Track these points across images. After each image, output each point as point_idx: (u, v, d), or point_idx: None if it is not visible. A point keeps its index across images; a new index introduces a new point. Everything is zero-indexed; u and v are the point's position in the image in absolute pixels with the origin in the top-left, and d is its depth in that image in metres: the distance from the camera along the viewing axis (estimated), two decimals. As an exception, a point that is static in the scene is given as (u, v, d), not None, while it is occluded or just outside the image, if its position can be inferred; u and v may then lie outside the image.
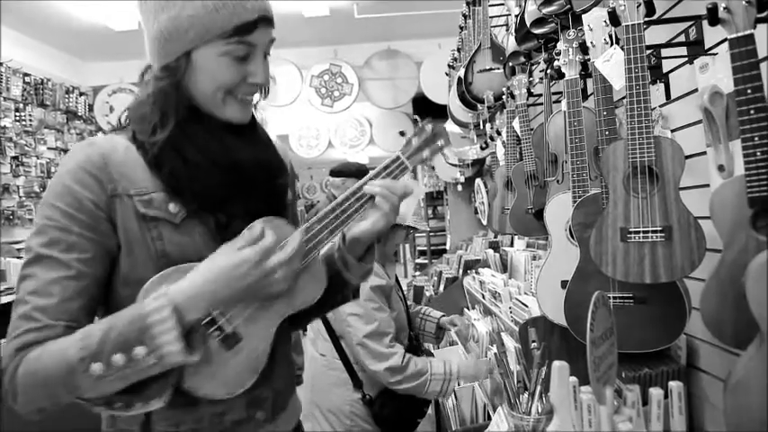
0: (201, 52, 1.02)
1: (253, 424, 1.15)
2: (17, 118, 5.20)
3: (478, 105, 2.91)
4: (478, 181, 4.24)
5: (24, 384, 0.92)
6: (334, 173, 3.80)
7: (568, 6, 1.61)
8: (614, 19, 1.27)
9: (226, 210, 1.07)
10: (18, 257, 4.81)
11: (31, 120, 5.34)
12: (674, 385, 1.27)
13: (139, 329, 0.91)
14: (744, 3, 0.99)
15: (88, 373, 0.89)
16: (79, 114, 6.10)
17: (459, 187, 5.39)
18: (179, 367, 0.98)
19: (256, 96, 1.14)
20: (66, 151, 5.86)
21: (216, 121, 1.08)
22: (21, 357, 0.92)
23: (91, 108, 6.25)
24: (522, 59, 2.28)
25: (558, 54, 1.61)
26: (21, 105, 5.25)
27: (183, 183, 1.04)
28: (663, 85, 1.63)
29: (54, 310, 0.95)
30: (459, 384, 2.22)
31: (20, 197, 5.23)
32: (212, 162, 1.05)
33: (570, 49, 1.58)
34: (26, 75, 5.33)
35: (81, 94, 6.16)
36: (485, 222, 3.96)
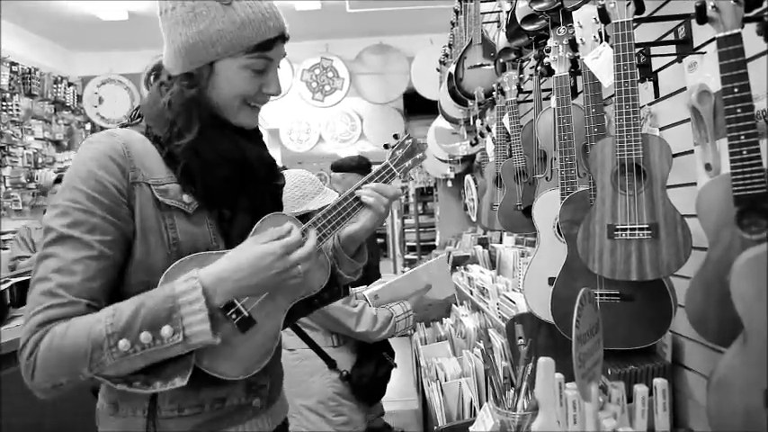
0: (224, 64, 1.10)
1: (250, 411, 1.21)
2: (4, 107, 5.14)
3: (469, 101, 2.91)
4: (468, 177, 4.25)
5: (46, 359, 0.94)
6: (334, 168, 3.79)
7: (559, 3, 1.61)
8: (604, 16, 1.27)
9: (232, 204, 1.17)
10: (5, 249, 4.76)
11: (18, 110, 5.28)
12: (659, 382, 1.27)
13: (169, 309, 0.97)
14: (732, 2, 0.99)
15: (115, 348, 0.94)
16: (67, 105, 6.03)
17: (449, 183, 5.39)
18: (199, 348, 1.02)
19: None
20: (54, 142, 5.81)
21: (229, 124, 1.17)
22: (44, 332, 0.95)
23: (80, 99, 6.18)
24: (513, 56, 2.28)
25: (548, 51, 1.61)
26: (7, 95, 5.19)
27: (198, 178, 1.11)
28: (652, 83, 1.63)
29: (77, 287, 0.98)
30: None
31: (6, 187, 5.17)
32: (227, 161, 1.13)
33: (560, 46, 1.58)
34: (13, 64, 5.26)
35: (70, 84, 6.09)
36: (474, 219, 3.96)
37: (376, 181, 1.27)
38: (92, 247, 1.01)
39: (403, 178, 1.30)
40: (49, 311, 0.96)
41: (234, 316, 1.08)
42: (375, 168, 1.30)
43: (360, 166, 3.66)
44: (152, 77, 1.19)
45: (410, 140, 1.34)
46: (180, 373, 1.02)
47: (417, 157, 1.33)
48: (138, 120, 1.18)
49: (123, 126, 1.17)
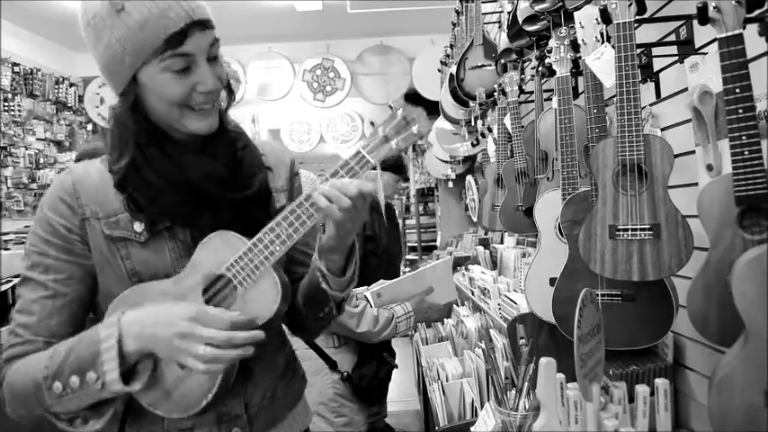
0: (144, 73, 1.00)
1: None
2: (6, 108, 5.15)
3: (470, 102, 2.91)
4: (469, 178, 4.24)
5: (7, 394, 1.03)
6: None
7: (560, 4, 1.61)
8: (605, 17, 1.27)
9: (195, 224, 1.09)
10: (6, 249, 4.76)
11: (19, 110, 5.29)
12: (660, 382, 1.27)
13: (92, 355, 0.98)
14: (733, 2, 1.00)
15: (51, 390, 0.98)
16: (69, 105, 6.03)
17: (450, 184, 5.38)
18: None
19: (223, 97, 1.13)
20: (55, 142, 5.81)
21: (175, 140, 1.09)
22: (6, 369, 1.03)
23: (81, 99, 6.19)
24: (514, 56, 2.28)
25: (550, 51, 1.61)
26: (9, 95, 5.19)
27: (143, 203, 1.07)
28: (653, 83, 1.64)
29: (35, 326, 1.05)
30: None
31: (8, 188, 5.17)
32: (167, 182, 1.06)
33: (561, 47, 1.58)
34: (15, 64, 5.27)
35: (71, 84, 6.09)
36: (475, 219, 3.96)
37: (342, 175, 1.03)
38: (47, 287, 1.06)
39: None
40: (11, 350, 1.04)
41: None
42: (343, 158, 1.05)
43: (396, 164, 3.57)
44: None
45: (400, 111, 1.03)
46: (104, 414, 1.04)
47: (413, 131, 1.03)
48: None
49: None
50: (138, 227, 1.07)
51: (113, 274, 1.08)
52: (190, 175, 1.07)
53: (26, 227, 4.79)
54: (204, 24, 1.01)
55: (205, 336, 0.96)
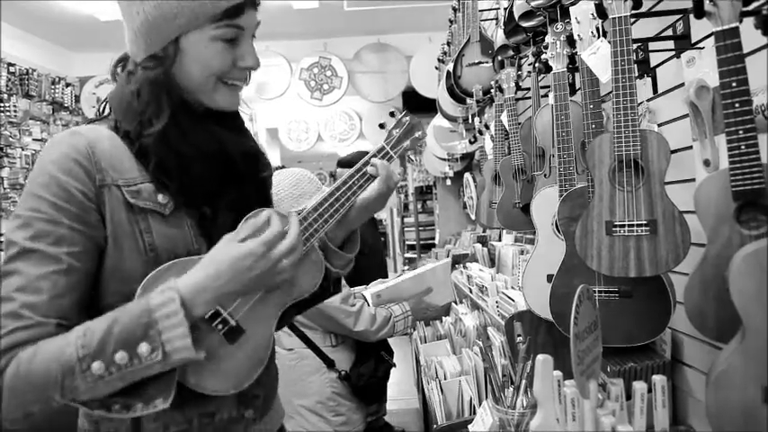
0: (190, 38, 0.99)
1: (243, 423, 1.13)
2: (1, 109, 5.13)
3: (467, 99, 2.90)
4: (467, 175, 4.23)
5: (13, 387, 0.86)
6: (343, 163, 3.57)
7: (556, -1, 1.60)
8: (601, 12, 1.26)
9: (213, 202, 1.06)
10: (3, 250, 4.75)
11: (15, 111, 5.27)
12: (658, 379, 1.27)
13: (145, 325, 0.87)
14: (730, -5, 0.99)
15: (88, 372, 0.86)
16: (65, 105, 6.02)
17: (449, 181, 5.38)
18: (181, 365, 0.94)
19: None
20: (52, 143, 5.79)
21: (203, 111, 1.06)
22: (9, 358, 0.87)
23: (78, 99, 6.17)
24: (511, 53, 2.28)
25: (546, 47, 1.61)
26: (5, 96, 5.18)
27: (173, 174, 1.01)
28: (650, 79, 1.63)
29: (44, 306, 0.90)
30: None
31: (4, 189, 5.16)
32: (203, 154, 1.03)
33: (558, 43, 1.57)
34: (11, 65, 5.25)
35: (67, 84, 6.07)
36: (473, 217, 3.95)
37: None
38: (59, 260, 0.92)
39: (401, 162, 1.28)
40: (15, 335, 0.88)
41: (220, 326, 1.00)
42: (371, 152, 1.21)
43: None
44: (119, 69, 1.09)
45: (407, 118, 1.23)
46: (162, 393, 0.93)
47: (416, 135, 1.24)
48: (108, 114, 1.08)
49: (91, 122, 1.08)
50: (163, 198, 1.01)
51: (129, 249, 0.98)
52: (227, 148, 1.06)
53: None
54: (256, 3, 1.05)
55: (278, 255, 0.97)
